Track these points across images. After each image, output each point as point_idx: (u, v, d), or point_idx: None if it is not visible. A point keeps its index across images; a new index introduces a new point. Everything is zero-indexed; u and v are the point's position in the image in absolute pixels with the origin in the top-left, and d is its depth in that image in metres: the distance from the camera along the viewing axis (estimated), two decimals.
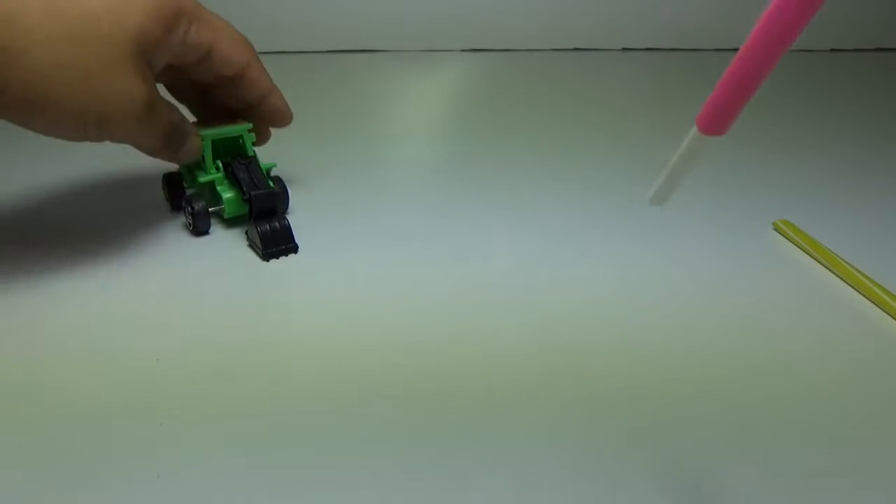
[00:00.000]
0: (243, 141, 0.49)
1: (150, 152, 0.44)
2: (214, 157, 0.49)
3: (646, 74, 0.90)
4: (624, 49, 0.99)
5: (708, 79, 0.82)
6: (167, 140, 0.43)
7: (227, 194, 0.48)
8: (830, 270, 0.46)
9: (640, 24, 0.98)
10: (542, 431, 0.32)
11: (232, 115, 0.51)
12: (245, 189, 0.47)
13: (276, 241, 0.46)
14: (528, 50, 0.98)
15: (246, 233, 0.48)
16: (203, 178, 0.48)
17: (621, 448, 0.31)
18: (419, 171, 0.63)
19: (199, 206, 0.47)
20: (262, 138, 0.52)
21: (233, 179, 0.48)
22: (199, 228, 0.48)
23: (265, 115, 0.49)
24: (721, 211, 0.54)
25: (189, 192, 0.50)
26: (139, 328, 0.39)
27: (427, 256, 0.46)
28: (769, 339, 0.39)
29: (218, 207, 0.49)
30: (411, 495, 0.29)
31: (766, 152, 0.65)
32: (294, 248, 0.47)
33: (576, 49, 0.98)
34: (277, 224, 0.46)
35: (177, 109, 0.44)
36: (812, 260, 0.47)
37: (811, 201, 0.55)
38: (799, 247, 0.48)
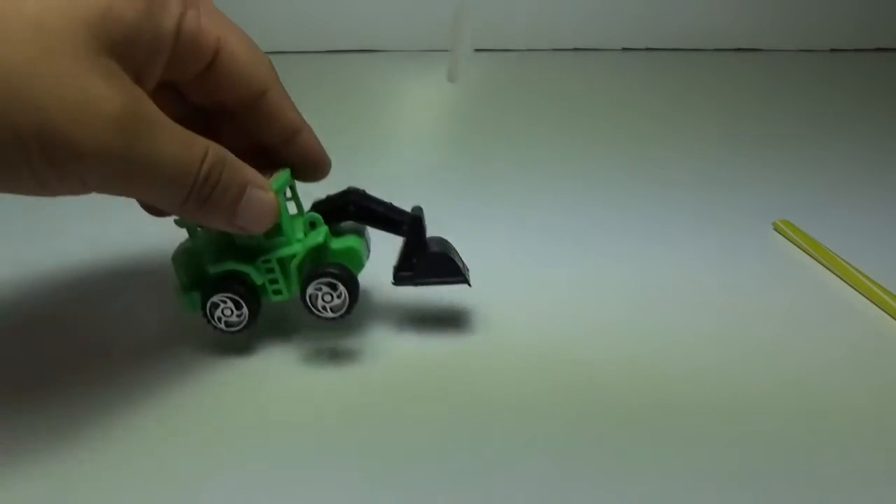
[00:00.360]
0: (293, 191, 0.36)
1: (172, 207, 0.29)
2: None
3: (646, 74, 0.90)
4: (624, 49, 0.99)
5: (708, 79, 0.82)
6: (196, 186, 0.28)
7: (352, 241, 0.35)
8: (830, 270, 0.46)
9: (640, 24, 0.98)
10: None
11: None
12: (397, 217, 0.36)
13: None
14: (528, 50, 0.98)
15: (403, 277, 0.36)
16: (310, 241, 0.34)
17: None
18: (419, 172, 0.63)
19: (345, 272, 0.33)
20: (315, 165, 0.37)
21: (338, 225, 0.36)
22: (355, 303, 0.34)
23: (293, 161, 0.35)
24: (721, 211, 0.54)
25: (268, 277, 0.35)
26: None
27: None
28: (768, 339, 0.39)
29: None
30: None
31: (766, 152, 0.65)
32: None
33: (576, 49, 0.98)
34: (436, 245, 0.37)
35: (213, 143, 0.29)
36: (812, 260, 0.47)
37: (811, 201, 0.55)
38: (799, 247, 0.48)
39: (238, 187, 0.30)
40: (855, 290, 0.43)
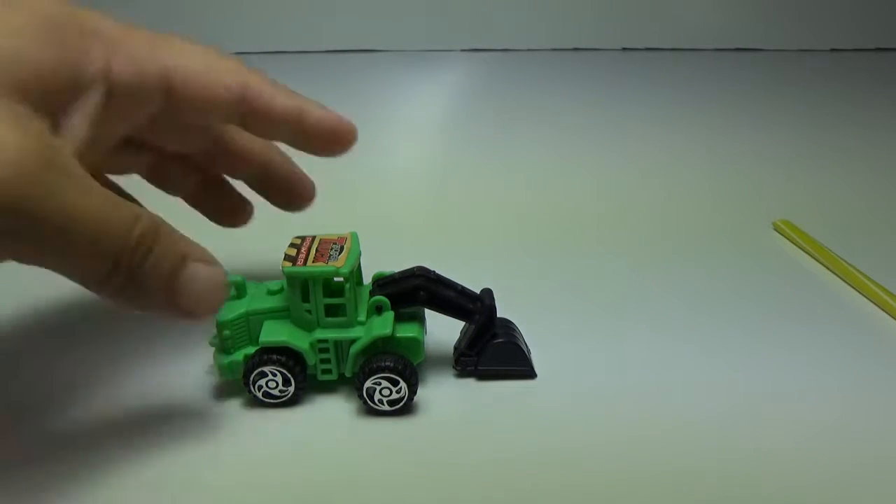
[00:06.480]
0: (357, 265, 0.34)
1: (92, 280, 0.24)
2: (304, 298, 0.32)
3: (646, 74, 0.90)
4: (624, 49, 0.99)
5: (708, 79, 0.82)
6: (124, 256, 0.24)
7: (415, 331, 0.33)
8: (830, 270, 0.45)
9: (640, 24, 0.98)
10: None
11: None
12: (469, 307, 0.34)
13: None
14: (528, 50, 0.98)
15: (466, 362, 0.35)
16: (377, 331, 0.32)
17: None
18: (418, 173, 0.63)
19: (407, 367, 0.32)
20: (298, 194, 0.35)
21: (407, 311, 0.34)
22: (413, 396, 0.33)
23: (312, 144, 0.32)
24: (721, 211, 0.54)
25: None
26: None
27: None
28: (768, 338, 0.39)
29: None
30: None
31: (766, 152, 0.65)
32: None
33: (576, 49, 0.98)
34: (503, 329, 0.35)
35: (146, 210, 0.26)
36: (812, 260, 0.47)
37: (811, 201, 0.55)
38: (799, 247, 0.48)
39: (175, 258, 0.26)
40: (855, 290, 0.43)
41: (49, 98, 0.24)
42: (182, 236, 0.27)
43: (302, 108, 0.31)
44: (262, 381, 0.32)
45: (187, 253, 0.26)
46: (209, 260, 0.27)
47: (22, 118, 0.22)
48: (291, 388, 0.33)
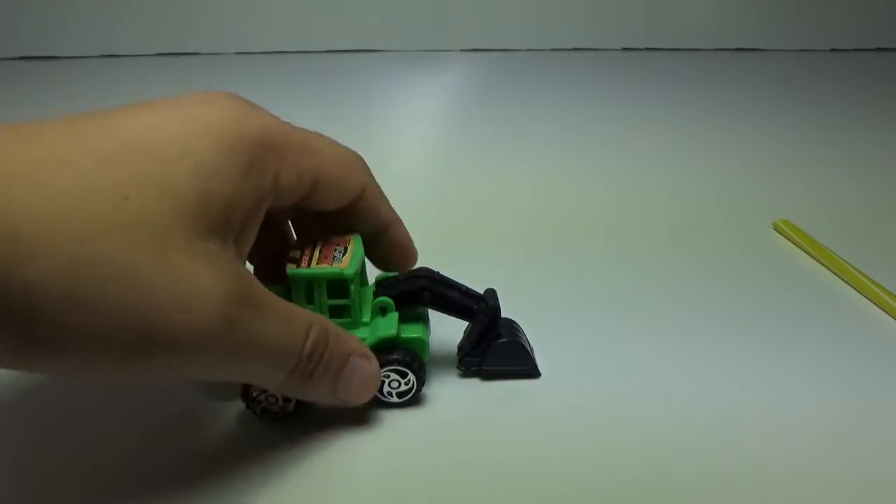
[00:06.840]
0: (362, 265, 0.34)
1: (271, 386, 0.29)
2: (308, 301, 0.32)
3: (646, 74, 0.90)
4: (624, 49, 0.99)
5: (708, 79, 0.82)
6: (300, 365, 0.28)
7: (419, 332, 0.33)
8: (830, 270, 0.46)
9: (640, 24, 0.98)
10: None
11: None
12: (473, 307, 0.34)
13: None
14: (528, 50, 0.98)
15: (471, 363, 0.35)
16: (382, 332, 0.32)
17: None
18: (418, 174, 0.63)
19: (415, 360, 0.33)
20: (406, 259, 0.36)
21: (412, 311, 0.34)
22: (422, 387, 0.33)
23: (381, 253, 0.35)
24: (721, 211, 0.54)
25: None
26: None
27: None
28: (768, 338, 0.39)
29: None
30: None
31: (766, 152, 0.66)
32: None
33: (576, 49, 0.98)
34: (507, 329, 0.36)
35: (316, 316, 0.29)
36: (812, 260, 0.47)
37: (811, 201, 0.55)
38: (799, 247, 0.49)
39: (341, 358, 0.30)
40: (855, 290, 0.44)
41: (235, 223, 0.26)
42: (345, 334, 0.30)
43: (393, 221, 0.34)
44: (262, 396, 0.32)
45: (351, 350, 0.30)
46: (366, 354, 0.31)
47: (213, 258, 0.25)
48: (293, 401, 0.32)
